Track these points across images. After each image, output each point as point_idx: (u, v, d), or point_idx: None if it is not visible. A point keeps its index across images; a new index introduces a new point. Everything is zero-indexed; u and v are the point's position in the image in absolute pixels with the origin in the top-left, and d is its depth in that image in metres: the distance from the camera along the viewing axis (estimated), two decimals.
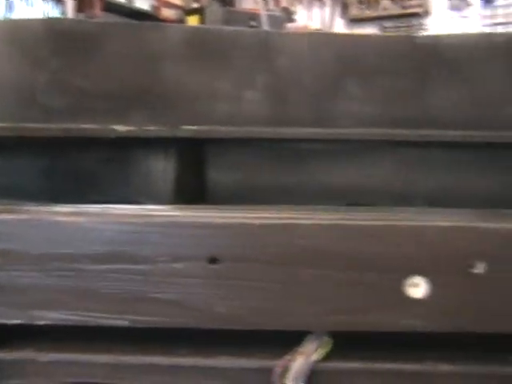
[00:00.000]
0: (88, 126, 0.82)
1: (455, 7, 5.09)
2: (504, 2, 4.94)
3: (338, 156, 0.88)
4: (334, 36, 1.04)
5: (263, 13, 3.18)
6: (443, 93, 0.83)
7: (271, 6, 4.84)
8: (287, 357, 0.65)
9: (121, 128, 0.82)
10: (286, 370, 0.64)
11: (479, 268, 0.64)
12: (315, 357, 0.65)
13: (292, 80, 0.85)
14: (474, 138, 0.75)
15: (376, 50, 0.86)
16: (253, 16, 3.29)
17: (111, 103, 0.84)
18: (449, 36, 0.89)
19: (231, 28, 1.00)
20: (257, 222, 0.64)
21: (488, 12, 5.00)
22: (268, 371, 0.64)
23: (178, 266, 0.64)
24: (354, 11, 5.42)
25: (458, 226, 0.64)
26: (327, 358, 0.65)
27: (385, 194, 0.85)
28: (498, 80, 0.85)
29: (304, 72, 0.84)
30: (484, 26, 4.94)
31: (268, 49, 0.86)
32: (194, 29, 1.06)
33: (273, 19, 3.28)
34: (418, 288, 0.64)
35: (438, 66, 0.84)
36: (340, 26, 5.31)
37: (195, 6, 4.43)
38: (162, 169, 0.86)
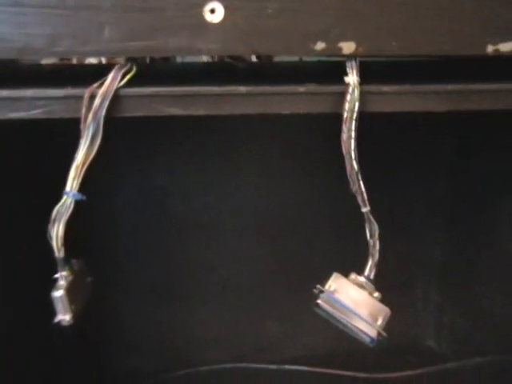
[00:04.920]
0: None
1: None
2: None
3: None
4: None
5: None
6: None
7: None
8: (95, 84, 0.68)
9: None
10: (93, 96, 0.67)
11: None
12: (120, 83, 0.68)
13: None
14: None
15: None
16: None
17: None
18: None
19: None
20: None
21: None
22: (76, 98, 0.67)
23: None
24: None
25: None
26: (131, 83, 0.69)
27: None
28: None
29: None
30: None
31: None
32: None
33: None
34: (215, 13, 0.66)
35: None
36: None
37: None
38: None
